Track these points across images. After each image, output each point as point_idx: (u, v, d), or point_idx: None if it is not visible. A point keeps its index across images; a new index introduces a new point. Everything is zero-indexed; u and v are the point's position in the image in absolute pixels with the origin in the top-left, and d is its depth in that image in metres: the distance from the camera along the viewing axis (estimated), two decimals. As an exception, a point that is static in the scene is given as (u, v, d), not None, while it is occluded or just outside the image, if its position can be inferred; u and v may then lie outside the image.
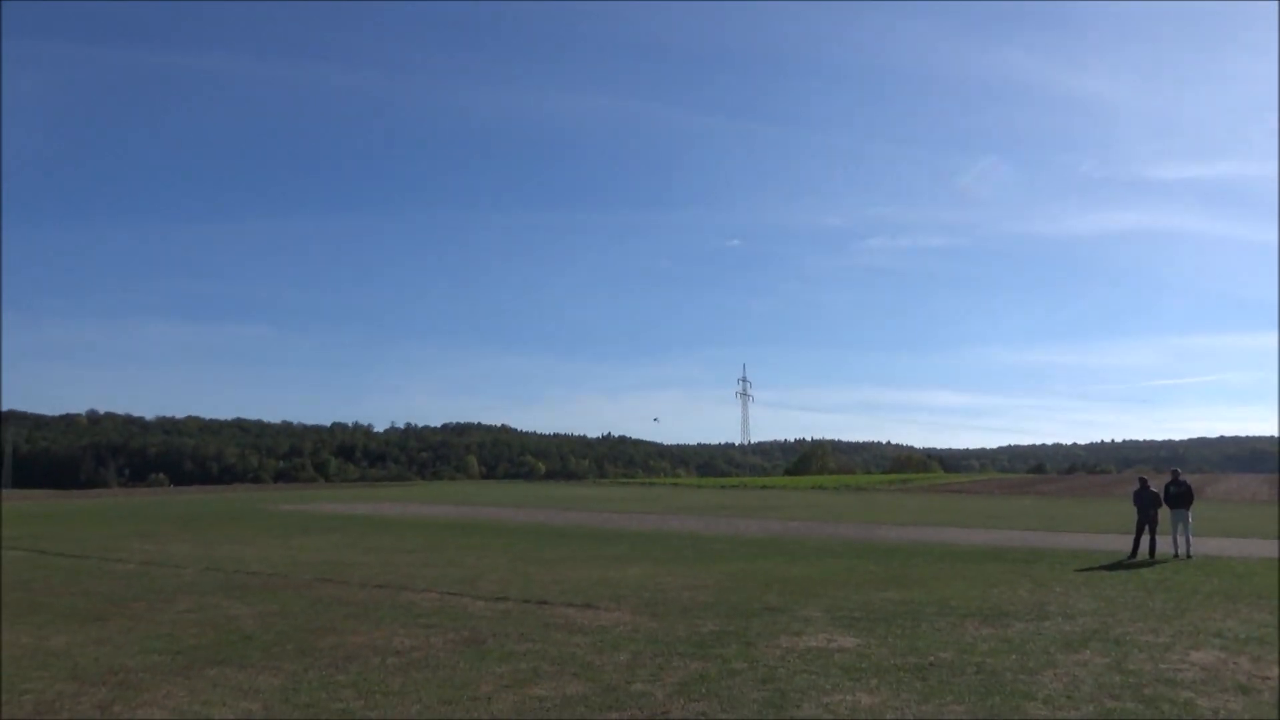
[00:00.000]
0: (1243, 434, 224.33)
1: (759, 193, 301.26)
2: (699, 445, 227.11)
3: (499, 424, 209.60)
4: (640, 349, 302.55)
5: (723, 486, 72.35)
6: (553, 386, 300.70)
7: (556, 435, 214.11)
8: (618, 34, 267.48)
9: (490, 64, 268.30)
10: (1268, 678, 7.77)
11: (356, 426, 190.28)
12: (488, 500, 46.50)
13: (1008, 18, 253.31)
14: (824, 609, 11.41)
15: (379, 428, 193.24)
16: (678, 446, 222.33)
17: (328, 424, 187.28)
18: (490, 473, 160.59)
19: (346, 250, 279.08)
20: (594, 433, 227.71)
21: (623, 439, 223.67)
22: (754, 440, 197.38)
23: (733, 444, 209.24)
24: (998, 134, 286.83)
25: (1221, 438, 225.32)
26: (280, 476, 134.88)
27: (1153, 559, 17.50)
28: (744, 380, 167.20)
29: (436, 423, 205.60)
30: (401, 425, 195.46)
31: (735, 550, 19.40)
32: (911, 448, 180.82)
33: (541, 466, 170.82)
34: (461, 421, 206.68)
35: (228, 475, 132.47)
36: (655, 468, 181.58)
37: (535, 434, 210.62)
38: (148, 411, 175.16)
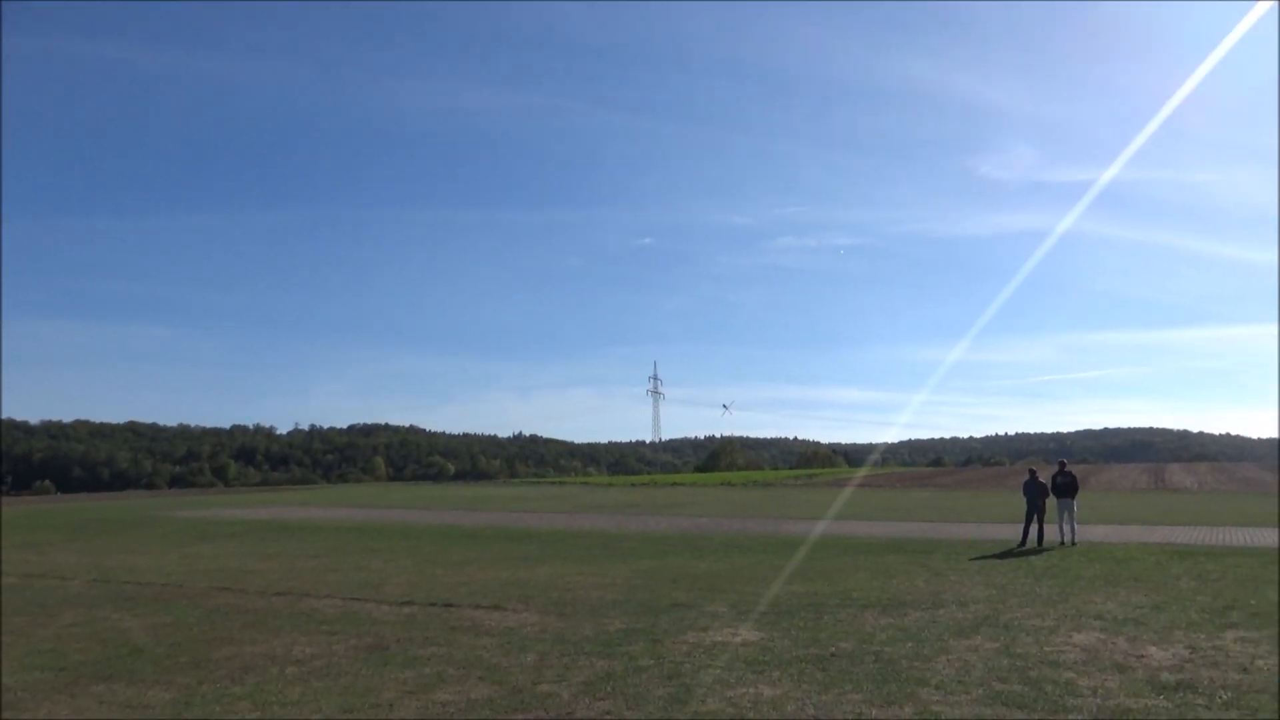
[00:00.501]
0: (1124, 425, 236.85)
1: (671, 192, 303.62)
2: (610, 443, 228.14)
3: (407, 424, 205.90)
4: (552, 347, 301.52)
5: (633, 484, 72.60)
6: (463, 386, 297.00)
7: (466, 435, 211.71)
8: (529, 30, 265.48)
9: (399, 58, 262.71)
10: (1142, 656, 8.23)
11: (258, 429, 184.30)
12: (395, 502, 45.63)
13: (911, 24, 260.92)
14: (730, 604, 11.59)
15: (282, 430, 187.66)
16: (589, 445, 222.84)
17: (227, 426, 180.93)
18: (398, 474, 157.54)
19: (248, 247, 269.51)
20: (505, 432, 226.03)
21: (534, 438, 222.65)
22: (665, 438, 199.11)
23: (644, 441, 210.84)
24: (899, 137, 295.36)
25: (1105, 429, 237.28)
26: (176, 482, 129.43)
27: (1041, 546, 18.35)
28: (655, 378, 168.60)
29: (342, 424, 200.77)
30: (305, 427, 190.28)
31: (645, 548, 19.52)
32: (817, 443, 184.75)
33: (451, 467, 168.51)
34: (368, 422, 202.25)
35: (120, 481, 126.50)
36: (566, 466, 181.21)
37: (444, 434, 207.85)
38: (32, 415, 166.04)
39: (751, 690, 7.20)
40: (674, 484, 71.82)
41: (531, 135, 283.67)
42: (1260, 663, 7.91)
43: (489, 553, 19.03)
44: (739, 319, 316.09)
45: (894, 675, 7.59)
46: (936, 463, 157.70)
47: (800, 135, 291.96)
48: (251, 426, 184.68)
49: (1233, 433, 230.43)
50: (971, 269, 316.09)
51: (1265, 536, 20.64)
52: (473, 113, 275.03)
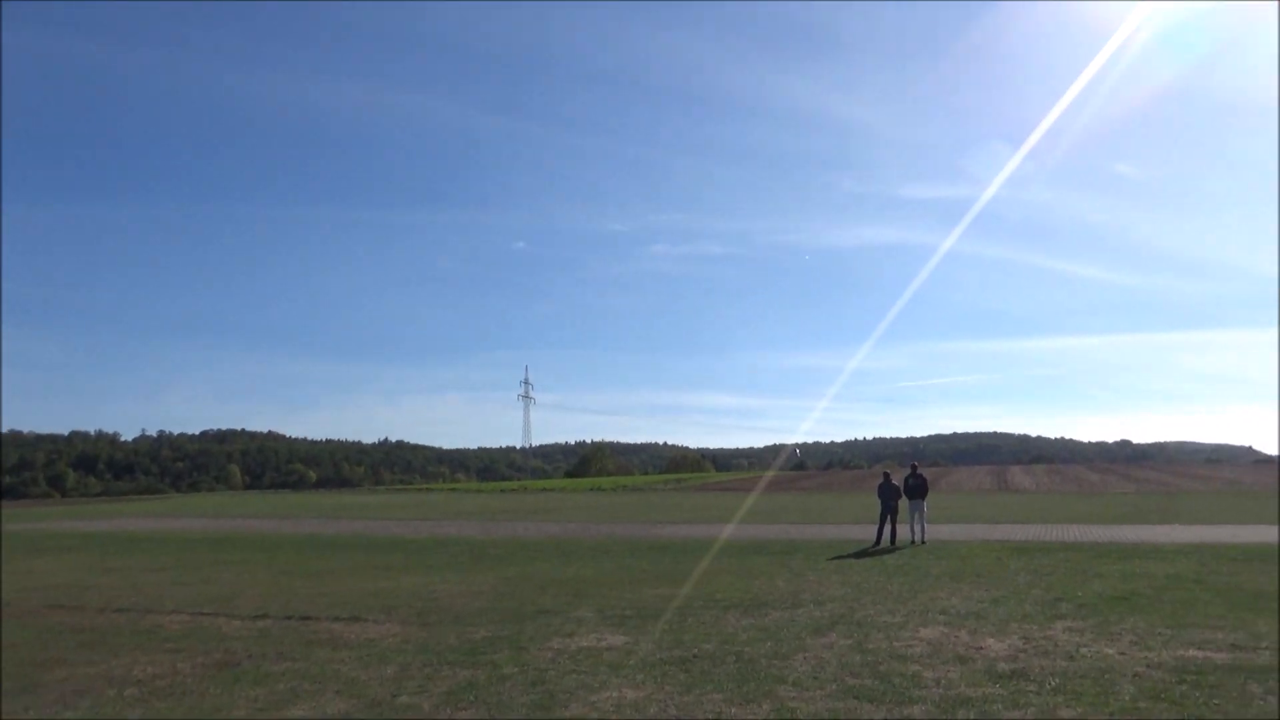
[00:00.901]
0: (972, 430, 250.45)
1: (545, 196, 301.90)
2: (480, 449, 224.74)
3: (265, 430, 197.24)
4: (421, 351, 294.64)
5: (503, 490, 71.92)
6: (327, 390, 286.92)
7: (329, 441, 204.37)
8: (402, 27, 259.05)
9: (261, 49, 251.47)
10: (981, 647, 8.74)
11: (100, 435, 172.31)
12: (251, 511, 43.65)
13: (784, 41, 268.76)
14: (596, 609, 11.64)
15: (127, 436, 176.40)
16: (458, 451, 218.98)
17: (65, 433, 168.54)
18: (255, 483, 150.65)
19: (91, 242, 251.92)
20: (370, 438, 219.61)
21: (400, 444, 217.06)
22: (535, 443, 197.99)
23: (514, 447, 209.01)
24: (769, 149, 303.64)
25: (955, 433, 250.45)
26: (7, 493, 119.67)
27: (894, 545, 19.22)
28: (526, 383, 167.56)
29: (194, 430, 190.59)
30: (154, 433, 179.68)
31: (512, 554, 19.37)
32: (686, 448, 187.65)
33: (312, 475, 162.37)
34: (223, 428, 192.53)
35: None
36: (434, 473, 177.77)
37: (306, 440, 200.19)
38: None
39: (615, 694, 7.26)
40: (544, 490, 71.56)
41: (402, 134, 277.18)
42: (1085, 650, 8.52)
43: (350, 563, 18.46)
44: (611, 325, 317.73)
45: (753, 674, 7.80)
46: (800, 467, 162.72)
47: (675, 144, 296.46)
48: (93, 433, 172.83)
49: (1066, 436, 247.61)
50: (836, 279, 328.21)
51: (1093, 533, 22.27)
52: (340, 109, 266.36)
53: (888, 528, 19.91)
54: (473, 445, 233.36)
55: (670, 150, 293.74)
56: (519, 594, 13.22)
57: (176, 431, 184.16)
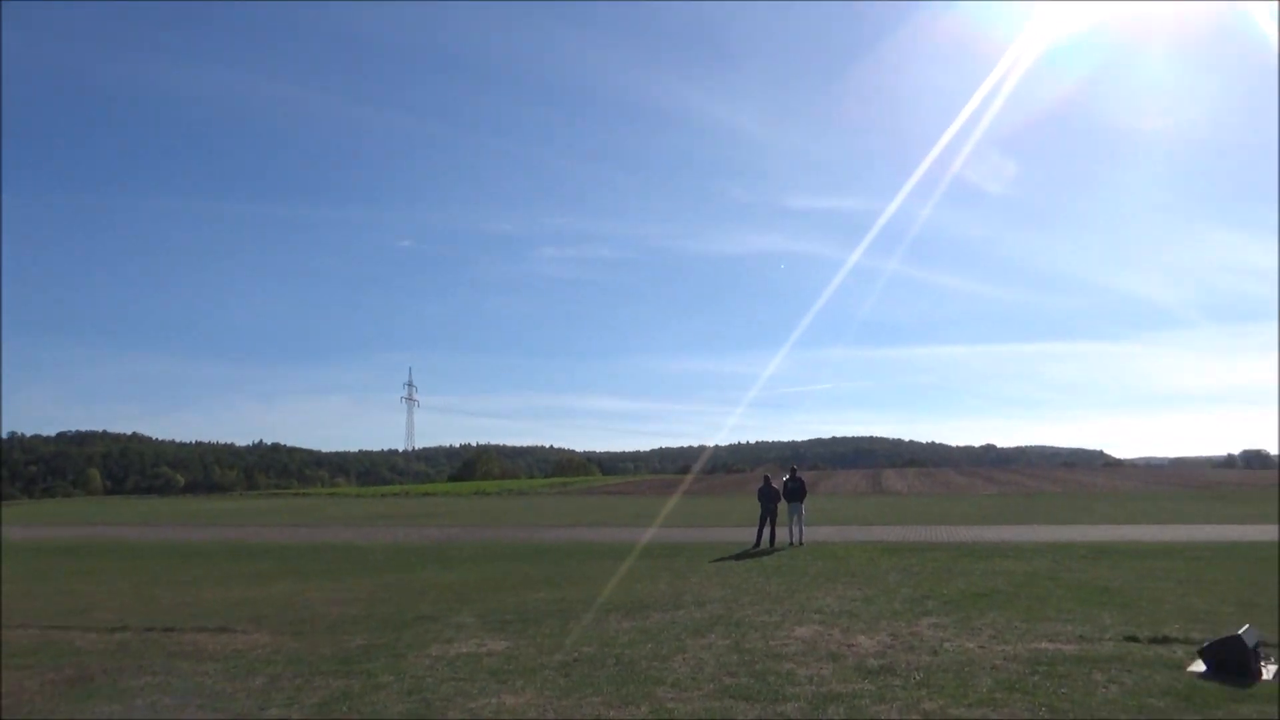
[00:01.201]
0: (850, 434, 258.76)
1: (434, 194, 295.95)
2: (361, 452, 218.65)
3: (129, 432, 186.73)
4: (300, 351, 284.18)
5: (384, 495, 70.25)
6: (197, 390, 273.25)
7: (199, 444, 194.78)
8: (285, 15, 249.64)
9: (128, 32, 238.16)
10: (852, 645, 9.04)
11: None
12: (112, 518, 41.28)
13: (673, 45, 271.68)
14: (477, 614, 11.50)
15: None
16: (337, 454, 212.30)
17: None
18: (118, 487, 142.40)
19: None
20: (244, 440, 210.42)
21: (276, 447, 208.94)
22: (419, 446, 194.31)
23: (397, 450, 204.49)
24: (661, 155, 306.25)
25: (834, 438, 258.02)
26: None
27: (773, 547, 19.69)
28: (410, 385, 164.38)
29: (50, 431, 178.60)
30: (4, 435, 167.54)
31: (391, 560, 18.94)
32: (572, 451, 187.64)
33: (180, 479, 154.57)
34: (82, 430, 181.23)
35: None
36: (312, 477, 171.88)
37: (174, 442, 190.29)
38: None
39: (494, 700, 7.19)
40: (426, 494, 70.25)
41: (284, 124, 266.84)
42: (948, 645, 8.93)
43: (218, 571, 17.69)
44: (499, 326, 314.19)
45: (633, 676, 7.86)
46: (685, 470, 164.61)
47: (566, 146, 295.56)
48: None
49: (937, 441, 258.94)
50: (723, 285, 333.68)
51: (959, 533, 23.34)
52: (219, 96, 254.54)
53: (767, 530, 20.37)
54: (353, 448, 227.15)
55: (562, 152, 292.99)
56: (397, 600, 12.94)
57: (29, 433, 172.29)
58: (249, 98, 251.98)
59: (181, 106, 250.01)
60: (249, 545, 23.84)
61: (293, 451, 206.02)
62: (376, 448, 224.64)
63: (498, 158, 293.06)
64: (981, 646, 8.85)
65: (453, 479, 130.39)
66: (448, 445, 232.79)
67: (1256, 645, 7.66)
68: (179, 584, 15.58)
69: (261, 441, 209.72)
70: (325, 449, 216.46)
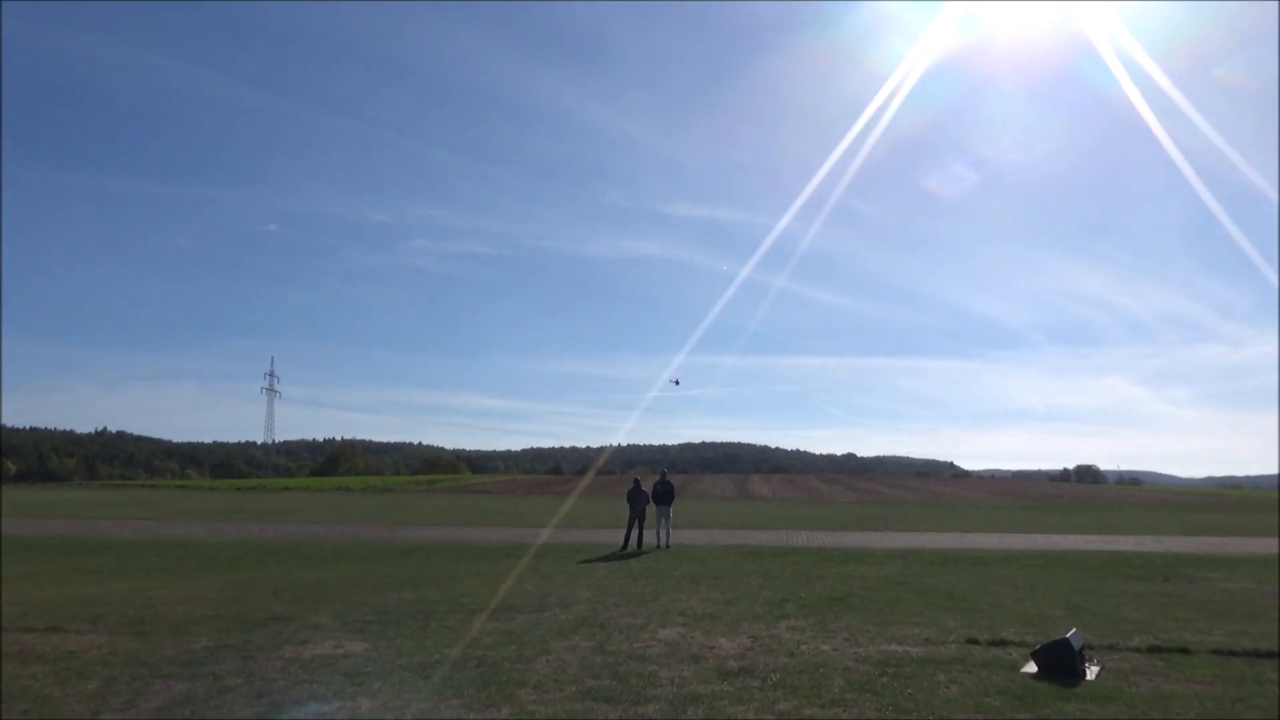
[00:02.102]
0: (718, 440, 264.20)
1: (303, 178, 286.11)
2: (215, 443, 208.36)
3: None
4: (150, 335, 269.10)
5: (239, 488, 67.20)
6: (32, 372, 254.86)
7: (34, 430, 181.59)
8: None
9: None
10: (713, 647, 9.22)
11: None
12: (-74, 508, 37.91)
13: (554, 44, 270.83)
14: (334, 614, 11.14)
15: None
16: (190, 445, 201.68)
17: None
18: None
19: None
20: (85, 427, 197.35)
21: (122, 435, 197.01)
22: (279, 439, 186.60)
23: (255, 443, 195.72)
24: (540, 155, 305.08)
25: (703, 443, 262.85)
26: None
27: (640, 549, 19.87)
28: (271, 375, 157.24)
29: None
30: None
31: (244, 557, 18.13)
32: (442, 449, 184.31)
33: (12, 466, 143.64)
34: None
35: None
36: (161, 468, 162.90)
37: (5, 428, 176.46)
38: None
39: (349, 703, 6.98)
40: (285, 488, 67.63)
41: (142, 94, 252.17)
42: (804, 647, 9.22)
43: (51, 566, 16.51)
44: (368, 318, 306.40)
45: (495, 678, 7.78)
46: (555, 471, 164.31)
47: (444, 139, 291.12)
48: None
49: (801, 449, 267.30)
50: (599, 288, 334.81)
51: (819, 538, 24.17)
52: (66, 59, 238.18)
53: (635, 532, 20.55)
54: (207, 439, 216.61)
55: (439, 144, 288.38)
56: (249, 600, 12.39)
57: None
58: (101, 63, 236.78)
59: (26, 68, 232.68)
60: (87, 539, 22.36)
61: (140, 440, 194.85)
62: (233, 439, 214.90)
63: (374, 146, 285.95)
64: (835, 649, 9.18)
65: (315, 474, 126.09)
66: (310, 439, 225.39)
67: (1082, 648, 8.23)
68: (4, 581, 14.45)
69: (105, 429, 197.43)
70: (176, 439, 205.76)
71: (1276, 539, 26.09)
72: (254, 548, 20.34)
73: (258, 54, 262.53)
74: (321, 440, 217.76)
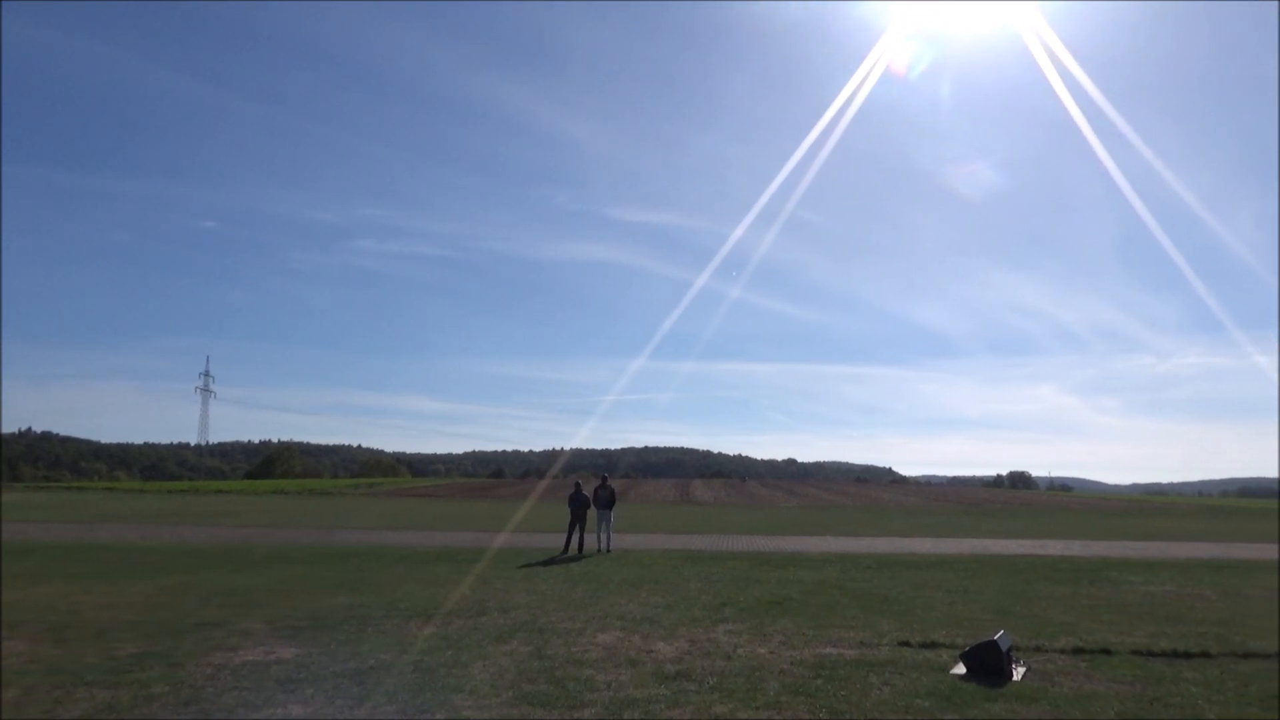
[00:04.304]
0: (661, 445, 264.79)
1: (244, 174, 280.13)
2: (146, 445, 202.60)
3: None
4: (79, 332, 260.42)
5: (170, 491, 65.46)
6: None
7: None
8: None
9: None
10: (652, 651, 9.26)
11: None
12: None
13: (505, 48, 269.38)
14: (267, 620, 10.93)
15: None
16: (119, 446, 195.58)
17: None
18: None
19: None
20: (8, 427, 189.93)
21: (47, 435, 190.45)
22: (214, 441, 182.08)
23: (188, 444, 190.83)
24: (489, 157, 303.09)
25: (646, 448, 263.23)
26: None
27: (581, 554, 19.84)
28: (206, 375, 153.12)
29: None
30: None
31: (174, 561, 17.66)
32: (382, 451, 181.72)
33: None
34: None
35: None
36: (89, 470, 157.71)
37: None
38: None
39: (280, 710, 6.86)
40: (219, 491, 66.07)
41: (78, 84, 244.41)
42: (741, 651, 9.31)
43: (-32, 571, 15.88)
44: (308, 318, 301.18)
45: (430, 684, 7.71)
46: (497, 474, 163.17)
47: (391, 138, 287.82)
48: None
49: (743, 454, 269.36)
50: (546, 291, 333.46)
51: (759, 542, 24.38)
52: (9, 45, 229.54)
53: (576, 536, 20.51)
54: (138, 440, 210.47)
55: (385, 143, 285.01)
56: (178, 605, 12.09)
57: None
58: (31, 50, 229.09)
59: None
60: (8, 543, 21.55)
61: (67, 441, 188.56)
62: (165, 440, 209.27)
63: (318, 143, 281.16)
64: (772, 652, 9.29)
65: (249, 476, 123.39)
66: (246, 441, 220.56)
67: (1009, 649, 8.45)
68: (-83, 585, 13.88)
69: (29, 429, 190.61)
70: (105, 439, 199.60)
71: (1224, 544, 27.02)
72: (184, 552, 19.83)
73: (197, 45, 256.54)
74: (257, 442, 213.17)
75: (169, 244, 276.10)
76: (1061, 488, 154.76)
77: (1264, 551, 24.35)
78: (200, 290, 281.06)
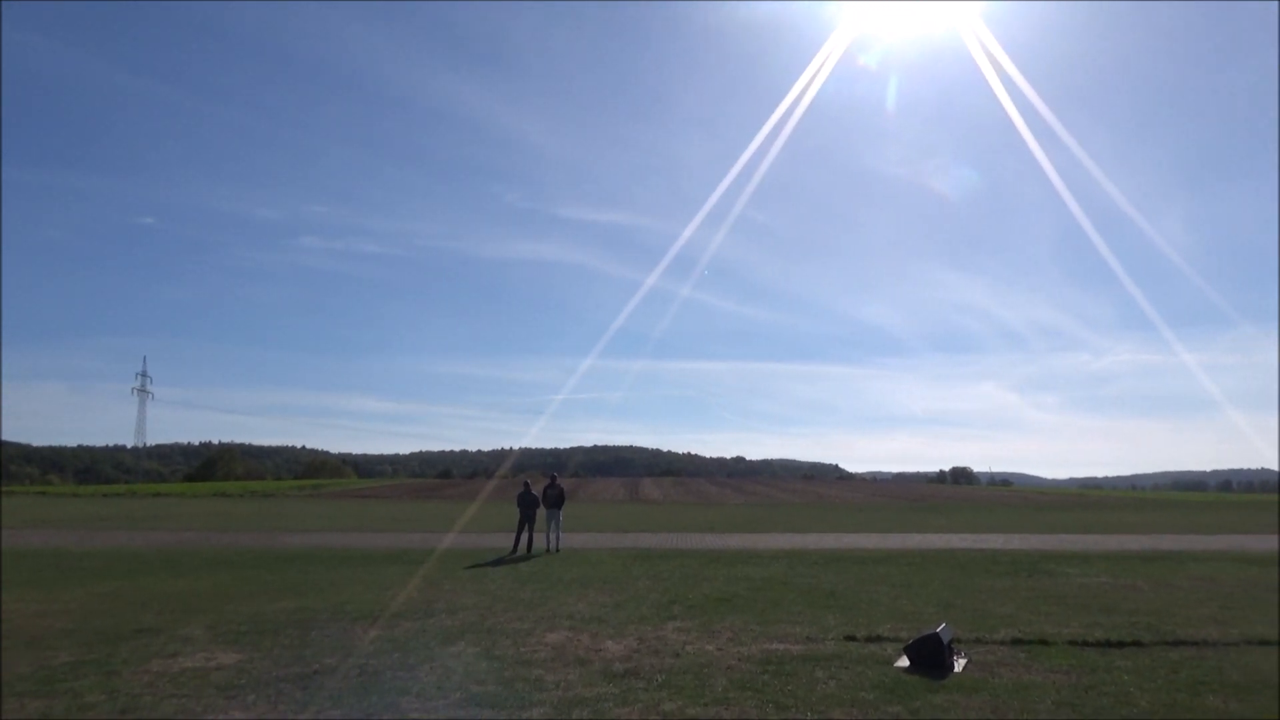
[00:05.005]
0: (611, 443, 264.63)
1: (184, 169, 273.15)
2: (80, 447, 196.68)
3: None
4: (13, 331, 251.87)
5: (106, 495, 63.70)
6: None
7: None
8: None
9: None
10: (600, 650, 9.27)
11: None
12: None
13: (455, 44, 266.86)
14: (207, 625, 10.71)
15: None
16: (52, 449, 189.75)
17: None
18: None
19: None
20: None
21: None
22: (151, 442, 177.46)
23: (125, 446, 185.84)
24: (435, 153, 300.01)
25: (595, 446, 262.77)
26: None
27: (529, 554, 19.77)
28: (144, 375, 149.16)
29: None
30: None
31: (111, 567, 17.20)
32: (327, 453, 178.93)
33: None
34: None
35: None
36: (19, 474, 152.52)
37: None
38: None
39: (221, 716, 6.73)
40: (157, 494, 64.51)
41: (12, 76, 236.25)
42: (689, 648, 9.37)
43: (-110, 580, 15.29)
44: (250, 317, 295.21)
45: (377, 687, 7.63)
46: (445, 474, 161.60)
47: (337, 134, 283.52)
48: None
49: (692, 452, 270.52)
50: (495, 290, 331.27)
51: (708, 540, 24.53)
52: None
53: (525, 536, 20.43)
54: (71, 442, 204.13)
55: (331, 139, 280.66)
56: (115, 612, 11.78)
57: None
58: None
59: None
60: (-68, 550, 20.79)
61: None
62: (100, 443, 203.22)
63: (261, 139, 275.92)
64: (720, 649, 9.36)
65: (189, 479, 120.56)
66: (185, 443, 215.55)
67: (950, 641, 8.64)
68: None
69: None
70: (36, 442, 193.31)
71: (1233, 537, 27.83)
72: (121, 557, 19.33)
73: (137, 37, 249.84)
74: (197, 444, 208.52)
75: (106, 241, 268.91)
76: (1002, 482, 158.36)
77: (1193, 543, 25.19)
78: (138, 288, 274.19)
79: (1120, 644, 9.74)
